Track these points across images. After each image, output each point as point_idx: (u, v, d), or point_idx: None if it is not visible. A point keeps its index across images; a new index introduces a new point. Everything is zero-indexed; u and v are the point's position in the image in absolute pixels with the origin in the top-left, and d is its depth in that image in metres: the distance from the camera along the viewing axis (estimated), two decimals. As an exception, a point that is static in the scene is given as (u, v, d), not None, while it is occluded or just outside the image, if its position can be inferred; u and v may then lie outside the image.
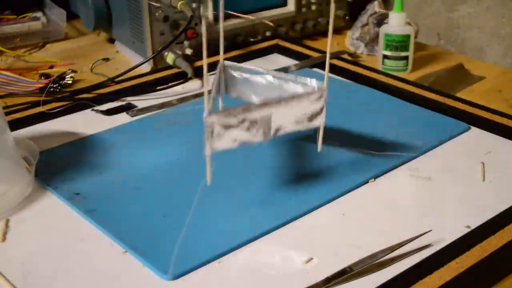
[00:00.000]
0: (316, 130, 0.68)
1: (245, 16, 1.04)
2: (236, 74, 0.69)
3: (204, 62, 0.56)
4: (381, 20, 1.09)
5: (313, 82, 0.65)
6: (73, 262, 0.61)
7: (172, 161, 0.77)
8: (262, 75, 0.68)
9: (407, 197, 0.72)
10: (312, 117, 0.65)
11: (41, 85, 0.95)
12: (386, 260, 0.60)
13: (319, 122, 0.66)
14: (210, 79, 1.00)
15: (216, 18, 1.07)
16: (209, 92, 0.62)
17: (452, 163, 0.77)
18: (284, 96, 0.62)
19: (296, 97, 0.63)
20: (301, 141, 0.80)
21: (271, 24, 1.10)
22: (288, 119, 0.63)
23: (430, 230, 0.63)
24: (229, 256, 0.61)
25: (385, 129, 0.83)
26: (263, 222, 0.65)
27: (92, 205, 0.68)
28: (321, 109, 0.65)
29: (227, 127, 0.60)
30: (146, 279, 0.58)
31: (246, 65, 0.69)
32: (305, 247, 0.62)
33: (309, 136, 0.77)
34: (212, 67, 1.03)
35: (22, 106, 0.90)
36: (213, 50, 1.06)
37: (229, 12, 0.99)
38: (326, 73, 0.65)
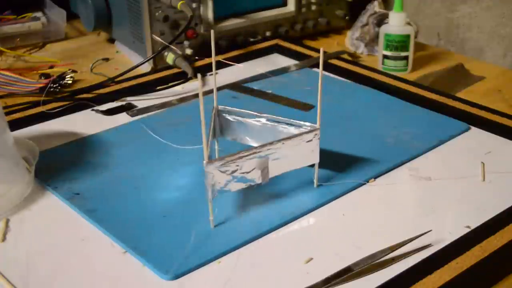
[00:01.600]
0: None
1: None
2: (230, 118, 0.72)
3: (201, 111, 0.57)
4: (381, 20, 1.09)
5: (306, 124, 0.68)
6: (73, 262, 0.61)
7: (172, 161, 0.77)
8: (256, 118, 0.71)
9: (407, 197, 0.72)
10: (307, 156, 0.68)
11: (41, 85, 0.95)
12: (386, 260, 0.60)
13: (314, 160, 0.69)
14: (210, 80, 1.00)
15: (215, 18, 1.07)
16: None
17: (452, 163, 0.77)
18: (280, 139, 0.65)
19: (292, 139, 0.66)
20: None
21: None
22: (284, 161, 0.66)
23: (430, 230, 0.63)
24: (229, 256, 0.61)
25: (385, 129, 0.83)
26: (263, 222, 0.65)
27: (92, 205, 0.68)
28: (316, 148, 0.68)
29: (227, 173, 0.62)
30: (146, 279, 0.58)
31: (239, 109, 0.72)
32: (305, 247, 0.62)
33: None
34: (211, 67, 1.04)
35: (22, 106, 0.90)
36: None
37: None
38: (320, 72, 0.65)
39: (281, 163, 0.66)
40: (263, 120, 0.71)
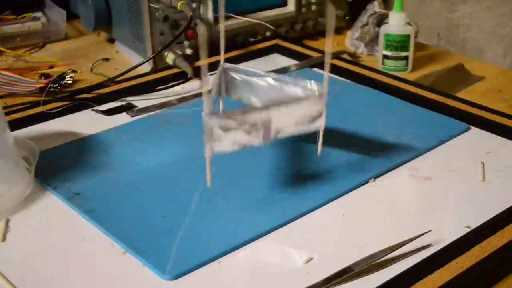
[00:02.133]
0: (316, 132, 0.68)
1: (242, 17, 1.04)
2: (236, 76, 0.69)
3: (203, 61, 0.56)
4: (381, 20, 1.09)
5: (313, 85, 0.66)
6: (73, 262, 0.61)
7: (172, 161, 0.77)
8: (263, 77, 0.69)
9: (407, 197, 0.72)
10: (312, 120, 0.65)
11: (41, 85, 0.95)
12: (386, 260, 0.60)
13: (319, 125, 0.67)
14: (210, 79, 1.00)
15: (215, 18, 1.07)
16: (209, 92, 0.62)
17: (452, 163, 0.77)
18: (284, 99, 0.63)
19: (296, 100, 0.63)
20: (301, 141, 0.80)
21: (271, 27, 1.10)
22: (288, 122, 0.64)
23: (430, 230, 0.63)
24: (229, 256, 0.61)
25: (385, 129, 0.83)
26: (263, 222, 0.65)
27: (92, 205, 0.68)
28: (321, 112, 0.65)
29: (227, 129, 0.60)
30: (146, 279, 0.58)
31: (246, 67, 0.69)
32: (305, 247, 0.62)
33: (309, 137, 0.77)
34: (212, 67, 1.03)
35: (22, 106, 0.90)
36: (213, 50, 1.06)
37: (230, 14, 0.99)
38: (326, 74, 0.65)
39: (284, 125, 0.63)
40: (269, 80, 0.68)
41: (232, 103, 0.72)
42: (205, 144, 0.60)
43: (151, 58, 1.01)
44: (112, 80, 0.98)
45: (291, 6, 1.16)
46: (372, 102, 0.92)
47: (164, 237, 0.63)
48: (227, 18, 1.10)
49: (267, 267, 0.60)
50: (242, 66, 0.74)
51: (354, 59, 1.09)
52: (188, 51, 1.04)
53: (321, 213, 0.68)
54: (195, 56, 1.05)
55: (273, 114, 0.62)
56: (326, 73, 0.64)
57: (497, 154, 0.79)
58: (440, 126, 0.84)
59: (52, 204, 0.70)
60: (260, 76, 0.69)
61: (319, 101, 0.64)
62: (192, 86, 0.98)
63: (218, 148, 0.60)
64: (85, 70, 1.06)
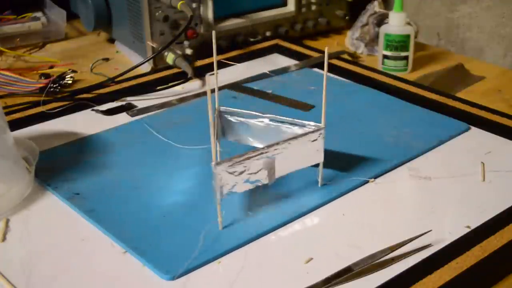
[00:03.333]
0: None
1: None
2: (232, 119, 0.71)
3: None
4: (381, 20, 1.09)
5: (310, 123, 0.68)
6: (73, 262, 0.61)
7: (172, 161, 0.77)
8: (259, 118, 0.71)
9: (407, 197, 0.72)
10: (312, 156, 0.68)
11: (41, 85, 0.95)
12: (386, 260, 0.60)
13: (319, 159, 0.69)
14: (211, 79, 1.00)
15: (215, 18, 1.07)
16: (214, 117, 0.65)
17: (452, 163, 0.77)
18: (286, 139, 0.65)
19: (297, 139, 0.66)
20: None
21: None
22: (290, 161, 0.66)
23: (430, 230, 0.63)
24: (229, 256, 0.61)
25: (385, 129, 0.83)
26: (263, 222, 0.65)
27: (92, 205, 0.68)
28: (321, 148, 0.68)
29: (235, 174, 0.62)
30: (146, 279, 0.58)
31: (241, 110, 0.72)
32: (305, 247, 0.62)
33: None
34: (211, 66, 1.03)
35: (22, 106, 0.90)
36: (212, 50, 1.06)
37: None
38: (324, 87, 0.65)
39: (287, 163, 0.66)
40: (266, 121, 0.71)
41: (230, 144, 0.73)
42: (214, 190, 0.62)
43: (151, 58, 1.01)
44: (112, 80, 0.98)
45: (291, 6, 1.16)
46: (372, 102, 0.92)
47: (164, 237, 0.63)
48: (227, 17, 1.10)
49: (267, 267, 0.60)
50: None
51: (354, 59, 1.09)
52: (188, 51, 1.04)
53: (321, 213, 0.68)
54: (195, 56, 1.05)
55: (277, 154, 0.65)
56: (325, 72, 0.65)
57: (497, 154, 0.79)
58: (440, 126, 0.84)
59: (52, 204, 0.70)
60: (256, 117, 0.71)
61: (318, 137, 0.67)
62: (192, 86, 0.98)
63: (227, 191, 0.63)
64: (85, 70, 1.06)
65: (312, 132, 0.67)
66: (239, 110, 0.72)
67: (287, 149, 0.65)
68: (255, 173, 0.64)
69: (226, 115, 0.72)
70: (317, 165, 0.70)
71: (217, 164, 0.61)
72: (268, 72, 0.99)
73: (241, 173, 0.63)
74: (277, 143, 0.64)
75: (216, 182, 0.61)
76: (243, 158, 0.62)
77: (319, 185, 0.71)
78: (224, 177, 0.61)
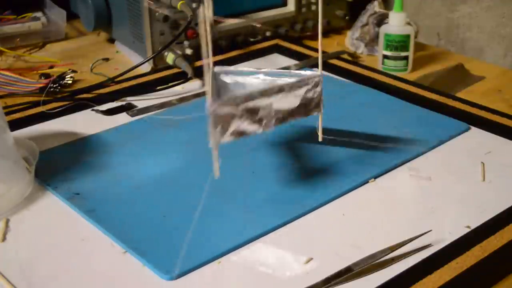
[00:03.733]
0: (316, 121, 0.68)
1: (231, 20, 1.04)
2: (227, 79, 0.69)
3: (207, 55, 0.56)
4: (381, 20, 1.09)
5: (307, 72, 0.66)
6: (73, 262, 0.61)
7: (172, 161, 0.77)
8: (254, 75, 0.69)
9: (407, 197, 0.72)
10: (310, 106, 0.66)
11: (41, 85, 0.95)
12: (386, 260, 0.60)
13: (318, 110, 0.67)
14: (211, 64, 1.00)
15: (215, 19, 1.07)
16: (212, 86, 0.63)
17: (452, 163, 0.77)
18: (283, 84, 0.63)
19: (295, 85, 0.64)
20: (301, 141, 0.80)
21: (268, 29, 1.10)
22: (288, 108, 0.64)
23: (430, 230, 0.63)
24: (229, 256, 0.61)
25: (385, 129, 0.83)
26: (263, 222, 0.65)
27: (92, 205, 0.68)
28: (319, 97, 0.66)
29: (231, 116, 0.60)
30: (146, 279, 0.58)
31: (236, 67, 0.69)
32: (305, 247, 0.62)
33: (309, 136, 0.77)
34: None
35: (22, 106, 0.90)
36: (212, 50, 1.06)
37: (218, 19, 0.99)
38: (320, 61, 0.64)
39: (285, 111, 0.64)
40: (262, 76, 0.69)
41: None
42: (210, 134, 0.60)
43: (151, 58, 1.01)
44: (112, 80, 0.98)
45: (291, 6, 1.16)
46: (372, 102, 0.92)
47: (164, 237, 0.63)
48: (227, 17, 1.10)
49: (267, 267, 0.60)
50: (235, 67, 0.73)
51: (354, 59, 1.09)
52: (188, 51, 1.04)
53: (321, 213, 0.68)
54: (195, 56, 1.05)
55: (273, 100, 0.62)
56: (320, 60, 0.64)
57: (497, 154, 0.79)
58: (440, 126, 0.84)
59: (52, 204, 0.70)
60: (252, 74, 0.69)
61: (316, 85, 0.65)
62: (192, 86, 0.98)
63: (222, 138, 0.61)
64: (85, 70, 1.06)
65: (311, 78, 0.64)
66: (234, 69, 0.70)
67: (285, 95, 0.63)
68: (252, 118, 0.61)
69: (221, 76, 0.70)
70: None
71: (213, 103, 0.58)
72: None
73: (238, 117, 0.60)
74: (275, 88, 0.62)
75: (211, 126, 0.59)
76: (239, 98, 0.60)
77: (320, 139, 0.68)
78: (219, 121, 0.59)
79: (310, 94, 0.65)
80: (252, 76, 0.69)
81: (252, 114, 0.61)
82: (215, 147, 0.61)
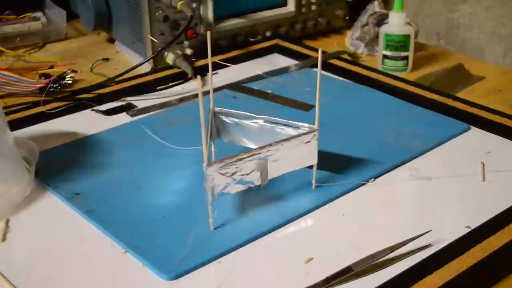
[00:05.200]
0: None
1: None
2: (227, 119, 0.72)
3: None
4: (381, 20, 1.09)
5: (304, 125, 0.68)
6: (73, 262, 0.61)
7: (171, 161, 0.77)
8: (253, 119, 0.71)
9: (407, 197, 0.72)
10: (306, 158, 0.68)
11: (41, 85, 0.95)
12: (386, 260, 0.60)
13: (313, 161, 0.69)
14: (205, 80, 1.00)
15: (215, 18, 1.07)
16: (207, 136, 0.65)
17: (452, 163, 0.77)
18: (279, 140, 0.65)
19: (290, 141, 0.66)
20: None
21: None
22: (283, 162, 0.66)
23: (430, 230, 0.63)
24: (229, 256, 0.61)
25: (385, 129, 0.83)
26: (263, 222, 0.65)
27: (92, 205, 0.68)
28: (314, 149, 0.67)
29: (226, 175, 0.62)
30: (146, 279, 0.58)
31: (235, 110, 0.72)
32: (305, 247, 0.62)
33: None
34: (212, 67, 1.03)
35: (22, 106, 0.90)
36: (213, 50, 1.06)
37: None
38: (318, 88, 0.65)
39: (280, 164, 0.66)
40: (261, 122, 0.71)
41: (225, 145, 0.73)
42: (206, 191, 0.62)
43: (151, 58, 1.01)
44: (112, 80, 0.98)
45: (291, 6, 1.16)
46: (372, 102, 0.92)
47: (164, 237, 0.63)
48: (227, 17, 1.10)
49: (267, 267, 0.60)
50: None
51: (354, 59, 1.09)
52: (188, 51, 1.04)
53: (321, 213, 0.68)
54: (195, 56, 1.05)
55: (269, 156, 0.64)
56: (319, 73, 0.65)
57: (497, 154, 0.79)
58: (440, 126, 0.84)
59: (52, 204, 0.70)
60: (251, 118, 0.71)
61: (312, 139, 0.67)
62: (192, 86, 0.98)
63: (219, 193, 0.63)
64: (85, 70, 1.06)
65: (305, 134, 0.66)
66: (233, 111, 0.72)
67: (280, 150, 0.65)
68: (248, 174, 0.63)
69: (221, 116, 0.72)
70: (312, 167, 0.70)
71: (209, 165, 0.60)
72: (262, 74, 0.99)
73: (233, 174, 0.62)
74: (270, 145, 0.64)
75: (208, 183, 0.61)
76: (235, 159, 0.62)
77: (313, 187, 0.70)
78: (215, 177, 0.61)
79: (306, 148, 0.67)
80: (251, 121, 0.71)
81: (248, 171, 0.63)
82: (210, 203, 0.63)
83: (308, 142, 0.67)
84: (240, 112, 0.72)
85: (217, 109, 0.72)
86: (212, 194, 0.62)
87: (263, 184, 0.65)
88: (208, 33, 0.68)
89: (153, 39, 0.99)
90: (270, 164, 0.65)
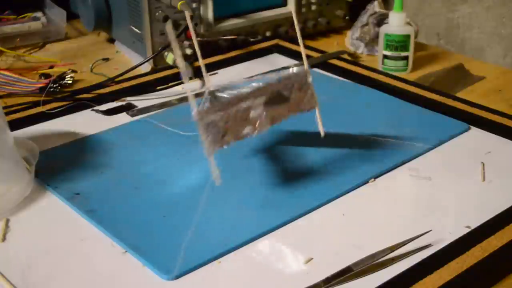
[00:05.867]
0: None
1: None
2: (224, 94, 0.70)
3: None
4: (381, 20, 1.09)
5: (294, 69, 0.66)
6: (73, 262, 0.61)
7: (172, 161, 0.77)
8: (247, 84, 0.69)
9: (407, 197, 0.72)
10: (303, 101, 0.65)
11: (41, 85, 0.95)
12: (386, 260, 0.60)
13: (312, 105, 0.66)
14: (210, 79, 1.00)
15: (215, 18, 1.07)
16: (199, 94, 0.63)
17: (452, 163, 0.77)
18: (270, 83, 0.62)
19: (283, 82, 0.63)
20: (301, 141, 0.80)
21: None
22: (279, 107, 0.64)
23: (430, 230, 0.63)
24: (229, 256, 0.61)
25: (385, 129, 0.83)
26: (263, 222, 0.65)
27: (92, 205, 0.68)
28: (311, 92, 0.65)
29: (220, 122, 0.59)
30: (146, 279, 0.58)
31: (231, 82, 0.70)
32: (305, 247, 0.62)
33: (309, 136, 0.77)
34: (212, 66, 1.03)
35: (22, 106, 0.90)
36: (213, 50, 1.06)
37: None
38: (304, 56, 0.64)
39: (277, 110, 0.63)
40: (255, 83, 0.69)
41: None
42: (203, 144, 0.60)
43: (151, 58, 1.01)
44: (112, 80, 0.98)
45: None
46: (372, 102, 0.92)
47: (164, 237, 0.63)
48: (227, 17, 1.10)
49: (267, 267, 0.60)
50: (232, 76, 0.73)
51: (354, 59, 1.09)
52: (188, 51, 1.04)
53: (321, 213, 0.68)
54: (195, 56, 1.05)
55: (263, 100, 0.62)
56: (302, 50, 0.63)
57: (497, 154, 0.79)
58: (440, 126, 0.84)
59: (52, 204, 0.70)
60: (247, 83, 0.69)
61: (305, 81, 0.64)
62: (192, 86, 0.98)
63: (216, 145, 0.60)
64: (85, 70, 1.06)
65: (297, 74, 0.64)
66: (228, 84, 0.70)
67: (274, 96, 0.62)
68: (244, 121, 0.60)
69: (218, 93, 0.70)
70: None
71: (199, 113, 0.57)
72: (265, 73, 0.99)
73: (229, 122, 0.60)
74: (263, 87, 0.62)
75: (203, 135, 0.59)
76: (228, 103, 0.59)
77: (322, 136, 0.68)
78: (210, 125, 0.59)
79: (300, 90, 0.64)
80: (247, 86, 0.69)
81: (242, 117, 0.60)
82: (210, 155, 0.61)
83: (302, 82, 0.64)
84: (234, 82, 0.70)
85: (212, 87, 0.69)
86: (208, 145, 0.59)
87: (261, 132, 0.62)
88: (187, 13, 0.65)
89: (134, 28, 0.96)
90: (266, 109, 0.62)
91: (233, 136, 0.61)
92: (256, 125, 0.62)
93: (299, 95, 0.65)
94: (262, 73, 0.99)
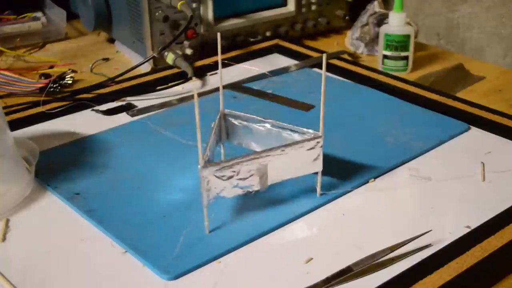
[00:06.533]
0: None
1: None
2: (235, 122, 0.71)
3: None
4: (381, 20, 1.09)
5: (310, 131, 0.67)
6: (73, 262, 0.61)
7: (172, 161, 0.77)
8: (261, 123, 0.71)
9: (407, 197, 0.72)
10: (309, 164, 0.67)
11: (41, 85, 0.95)
12: (386, 260, 0.60)
13: (316, 168, 0.68)
14: (210, 79, 1.01)
15: (215, 18, 1.07)
16: (210, 135, 0.65)
17: (452, 163, 0.77)
18: (280, 145, 0.64)
19: (292, 146, 0.65)
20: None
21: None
22: (285, 167, 0.65)
23: (430, 230, 0.63)
24: (229, 256, 0.61)
25: (385, 129, 0.83)
26: (263, 222, 0.65)
27: (92, 205, 0.68)
28: (318, 156, 0.67)
29: (223, 178, 0.62)
30: (146, 279, 0.58)
31: (244, 113, 0.71)
32: (305, 247, 0.62)
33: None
34: (211, 67, 1.03)
35: (22, 106, 0.90)
36: (212, 50, 1.06)
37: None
38: (323, 82, 0.64)
39: (281, 170, 0.65)
40: (268, 126, 0.70)
41: (236, 147, 0.73)
42: (201, 194, 0.61)
43: (151, 58, 1.01)
44: (112, 80, 0.98)
45: (291, 6, 1.16)
46: (372, 102, 0.92)
47: (164, 237, 0.63)
48: (227, 17, 1.10)
49: (267, 267, 0.60)
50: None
51: (354, 59, 1.09)
52: (188, 51, 1.04)
53: (321, 213, 0.68)
54: (195, 56, 1.05)
55: (269, 161, 0.64)
56: (323, 79, 0.64)
57: (497, 154, 0.79)
58: (440, 126, 0.84)
59: (52, 204, 0.70)
60: (259, 121, 0.71)
61: (316, 146, 0.66)
62: (192, 86, 0.98)
63: (215, 196, 0.62)
64: (85, 70, 1.06)
65: (308, 140, 0.65)
66: (242, 113, 0.71)
67: (281, 156, 0.64)
68: (246, 178, 0.63)
69: (230, 118, 0.72)
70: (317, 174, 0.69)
71: (204, 167, 0.60)
72: (267, 73, 0.99)
73: (230, 178, 0.62)
74: (270, 149, 0.64)
75: (203, 186, 0.61)
76: (232, 163, 0.61)
77: (318, 195, 0.70)
78: (211, 180, 0.61)
79: (309, 155, 0.66)
80: (259, 124, 0.71)
81: (246, 176, 0.63)
82: (205, 206, 0.62)
83: (311, 149, 0.66)
84: (248, 115, 0.71)
85: (226, 111, 0.71)
86: (208, 197, 0.62)
87: (262, 189, 0.65)
88: (219, 34, 0.66)
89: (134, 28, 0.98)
90: (270, 169, 0.64)
91: (230, 192, 0.63)
92: (257, 183, 0.64)
93: (305, 158, 0.66)
94: (266, 78, 1.00)
